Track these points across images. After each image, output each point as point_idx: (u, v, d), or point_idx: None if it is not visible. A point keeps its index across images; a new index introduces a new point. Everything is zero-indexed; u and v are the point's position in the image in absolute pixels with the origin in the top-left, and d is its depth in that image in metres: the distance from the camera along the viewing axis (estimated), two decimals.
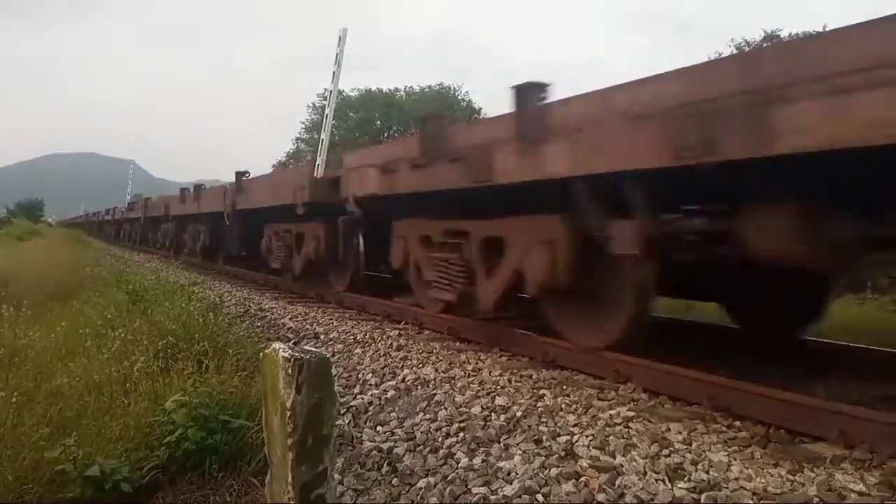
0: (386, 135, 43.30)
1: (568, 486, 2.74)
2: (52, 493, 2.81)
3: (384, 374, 4.71)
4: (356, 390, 4.48)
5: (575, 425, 3.37)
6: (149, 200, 22.49)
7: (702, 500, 2.57)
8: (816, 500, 2.51)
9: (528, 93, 4.78)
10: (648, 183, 3.89)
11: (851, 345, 5.08)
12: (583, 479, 2.78)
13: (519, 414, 3.56)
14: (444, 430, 3.52)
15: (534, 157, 4.41)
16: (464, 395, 4.00)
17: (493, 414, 3.63)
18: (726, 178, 3.55)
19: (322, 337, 6.30)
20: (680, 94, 3.46)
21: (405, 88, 48.98)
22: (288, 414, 2.20)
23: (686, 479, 2.72)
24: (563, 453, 3.03)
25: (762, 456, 2.94)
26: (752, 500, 2.55)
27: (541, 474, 2.86)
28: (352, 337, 6.09)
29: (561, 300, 4.86)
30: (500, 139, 4.81)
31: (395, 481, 3.05)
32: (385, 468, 3.19)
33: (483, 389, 4.09)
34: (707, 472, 2.75)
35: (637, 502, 2.59)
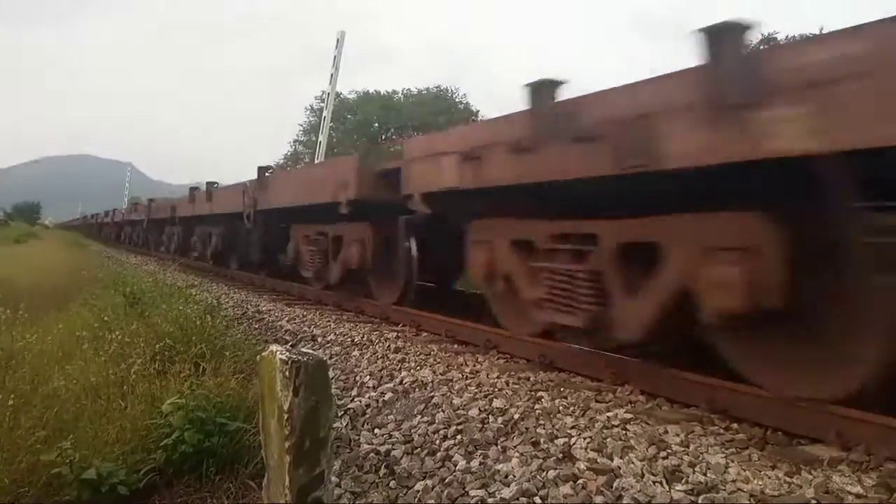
0: (384, 137, 43.32)
1: (566, 489, 2.73)
2: (48, 496, 2.80)
3: (382, 377, 4.70)
4: (354, 393, 4.48)
5: (573, 427, 3.37)
6: (153, 202, 21.28)
7: (699, 502, 2.56)
8: (814, 501, 2.52)
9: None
10: None
11: None
12: (580, 481, 2.78)
13: (517, 416, 3.56)
14: (441, 432, 3.51)
15: (739, 129, 3.12)
16: (461, 397, 4.00)
17: (490, 416, 3.62)
18: None
19: (320, 339, 6.29)
20: None
21: (403, 91, 49.09)
22: (285, 416, 2.20)
23: (684, 481, 2.72)
24: (560, 455, 3.03)
25: (760, 458, 2.94)
26: (749, 502, 2.55)
27: (538, 476, 2.86)
28: (349, 339, 6.09)
29: (754, 332, 3.52)
30: (670, 107, 3.46)
31: (392, 484, 3.05)
32: (382, 471, 3.19)
33: (481, 391, 4.08)
34: (705, 474, 2.75)
35: None
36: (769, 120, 2.98)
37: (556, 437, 3.24)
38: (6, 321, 5.09)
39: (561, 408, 3.70)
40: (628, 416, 3.49)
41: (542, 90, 4.28)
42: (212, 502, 2.95)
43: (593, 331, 4.27)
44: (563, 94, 4.26)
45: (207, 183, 14.61)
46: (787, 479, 2.71)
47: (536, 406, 3.73)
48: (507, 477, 2.91)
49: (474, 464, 3.08)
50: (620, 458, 2.95)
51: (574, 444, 3.14)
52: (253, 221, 10.82)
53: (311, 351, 2.59)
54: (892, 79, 2.57)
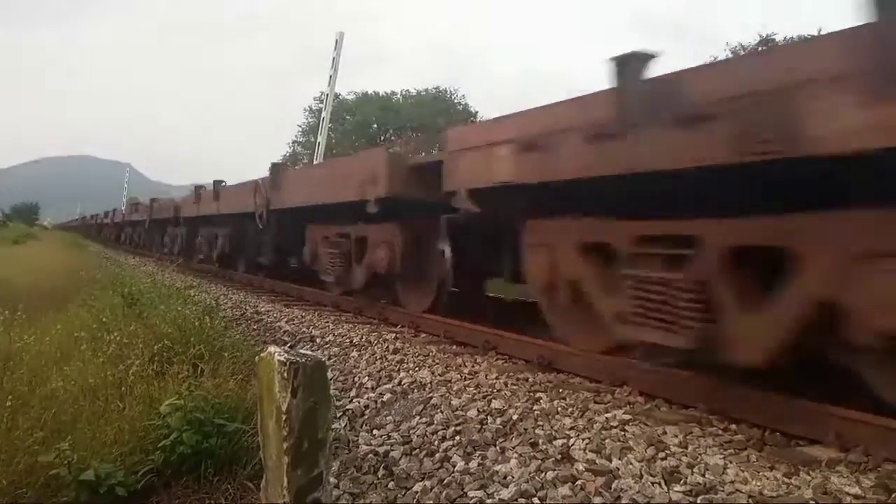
0: (383, 138, 43.35)
1: (564, 490, 2.73)
2: (46, 498, 2.80)
3: (380, 378, 4.70)
4: (352, 394, 4.47)
5: (571, 428, 3.37)
6: (155, 202, 20.58)
7: (698, 503, 2.57)
8: (812, 502, 2.52)
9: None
10: None
11: None
12: (579, 482, 2.78)
13: (515, 417, 3.55)
14: (440, 433, 3.51)
15: None
16: (460, 398, 4.00)
17: (489, 417, 3.62)
18: None
19: (318, 340, 6.29)
20: None
21: (402, 92, 49.11)
22: (283, 417, 2.20)
23: (682, 482, 2.72)
24: (559, 456, 3.03)
25: (758, 459, 2.94)
26: (747, 502, 2.56)
27: (537, 478, 2.86)
28: (348, 340, 6.08)
29: None
30: (823, 78, 2.76)
31: (391, 485, 3.05)
32: (381, 472, 3.18)
33: (479, 392, 4.08)
34: (703, 476, 2.75)
35: None
36: None
37: (555, 438, 3.24)
38: (4, 322, 5.09)
39: (559, 409, 3.70)
40: (627, 417, 3.49)
41: (631, 65, 3.66)
42: (210, 503, 2.95)
43: (699, 351, 3.52)
44: (654, 71, 3.63)
45: (214, 181, 13.79)
46: (786, 480, 2.71)
47: (535, 407, 3.73)
48: (505, 478, 2.91)
49: (473, 465, 3.08)
50: (619, 459, 2.95)
51: (573, 444, 3.14)
52: (266, 221, 10.06)
53: (309, 352, 2.59)
54: None
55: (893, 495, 2.53)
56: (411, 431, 3.61)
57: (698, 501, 2.58)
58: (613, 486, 2.72)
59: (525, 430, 3.38)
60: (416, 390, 4.29)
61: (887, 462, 2.77)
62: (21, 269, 11.65)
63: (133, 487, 2.91)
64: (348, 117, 46.59)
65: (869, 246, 2.82)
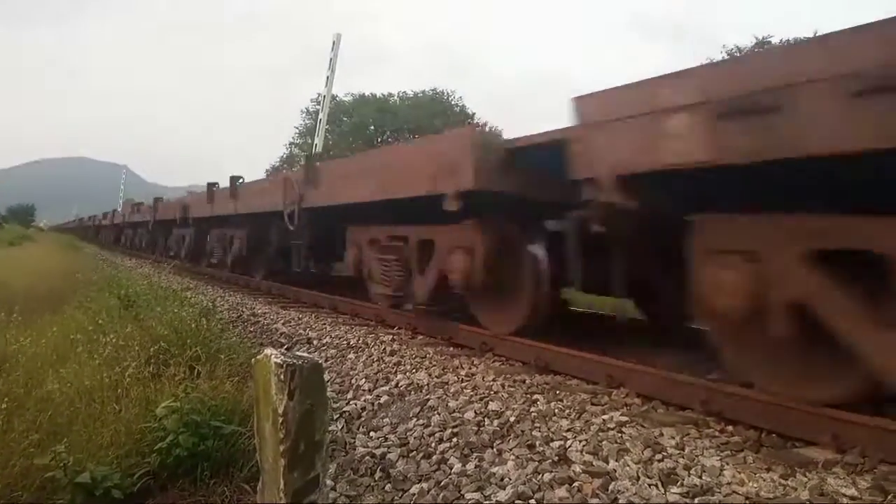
0: (379, 140, 43.39)
1: (561, 492, 2.73)
2: (42, 500, 2.79)
3: (377, 380, 4.70)
4: (349, 396, 4.47)
5: (568, 430, 3.37)
6: (159, 201, 19.40)
7: None
8: None
9: None
10: None
11: None
12: (576, 484, 2.78)
13: (512, 419, 3.56)
14: (437, 435, 3.51)
15: None
16: (457, 400, 4.00)
17: (486, 419, 3.62)
18: None
19: (315, 342, 6.28)
20: None
21: (399, 93, 49.18)
22: (280, 420, 2.19)
23: (679, 483, 2.72)
24: (556, 458, 3.03)
25: (754, 460, 2.95)
26: None
27: (534, 479, 2.86)
28: (345, 342, 6.07)
29: None
30: None
31: (388, 487, 3.04)
32: (378, 474, 3.18)
33: (476, 394, 4.08)
34: (700, 477, 2.76)
35: None
36: None
37: (552, 440, 3.24)
38: (0, 324, 5.08)
39: (557, 410, 3.70)
40: (624, 418, 3.49)
41: None
42: None
43: None
44: None
45: (231, 178, 11.97)
46: (782, 482, 2.71)
47: (532, 409, 3.73)
48: (502, 480, 2.91)
49: (470, 467, 3.08)
50: (616, 460, 2.96)
51: (570, 446, 3.15)
52: (298, 220, 8.53)
53: (306, 354, 2.59)
54: None
55: (889, 496, 2.54)
56: (408, 433, 3.61)
57: (695, 503, 2.58)
58: (610, 487, 2.72)
59: (522, 431, 3.39)
60: (413, 392, 4.29)
61: (883, 463, 2.77)
62: (17, 270, 11.62)
63: (129, 490, 2.90)
64: (345, 119, 46.66)
65: None
